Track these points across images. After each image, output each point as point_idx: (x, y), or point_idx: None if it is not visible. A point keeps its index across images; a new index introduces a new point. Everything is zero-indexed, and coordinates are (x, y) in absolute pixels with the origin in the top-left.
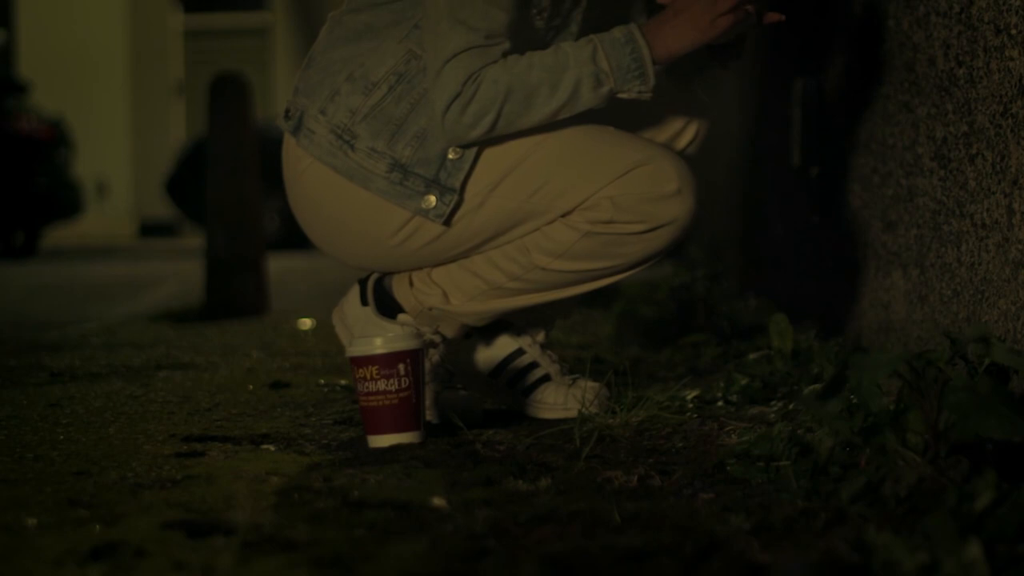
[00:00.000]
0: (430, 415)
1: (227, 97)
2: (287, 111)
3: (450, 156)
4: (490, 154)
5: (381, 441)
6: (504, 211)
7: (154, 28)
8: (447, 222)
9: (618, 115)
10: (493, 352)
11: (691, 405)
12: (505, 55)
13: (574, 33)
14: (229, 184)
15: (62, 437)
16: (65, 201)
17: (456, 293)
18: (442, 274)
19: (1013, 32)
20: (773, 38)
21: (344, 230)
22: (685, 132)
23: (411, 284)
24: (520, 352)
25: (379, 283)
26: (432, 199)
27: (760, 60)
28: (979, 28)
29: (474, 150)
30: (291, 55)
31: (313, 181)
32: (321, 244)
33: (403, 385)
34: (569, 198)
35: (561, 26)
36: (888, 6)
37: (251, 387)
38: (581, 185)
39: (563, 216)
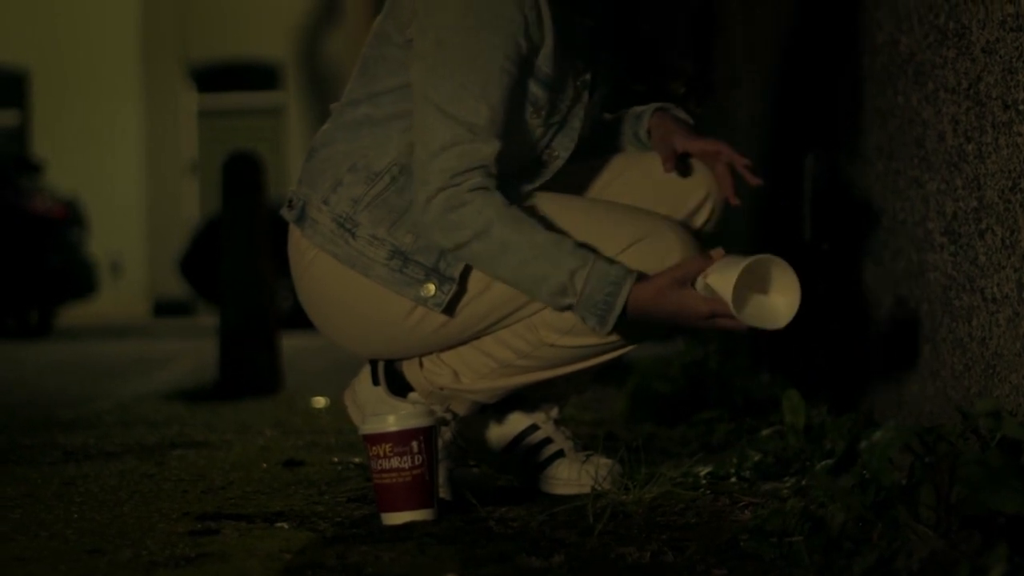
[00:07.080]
0: (443, 492)
1: (241, 176)
2: (290, 201)
3: None
4: None
5: (395, 518)
6: (508, 293)
7: (168, 107)
8: (448, 310)
9: (635, 191)
10: (507, 428)
11: (704, 481)
12: (497, 157)
13: (576, 130)
14: (243, 262)
15: (76, 515)
16: (79, 280)
17: (466, 372)
18: (452, 354)
19: (1021, 108)
20: (783, 114)
21: (354, 320)
22: (701, 211)
23: (421, 365)
24: (534, 428)
25: (389, 363)
26: (431, 287)
27: (770, 135)
28: (987, 104)
29: None
30: (305, 134)
31: (320, 272)
32: (333, 336)
33: (416, 462)
34: None
35: (561, 124)
36: (897, 82)
37: (265, 465)
38: None
39: None
